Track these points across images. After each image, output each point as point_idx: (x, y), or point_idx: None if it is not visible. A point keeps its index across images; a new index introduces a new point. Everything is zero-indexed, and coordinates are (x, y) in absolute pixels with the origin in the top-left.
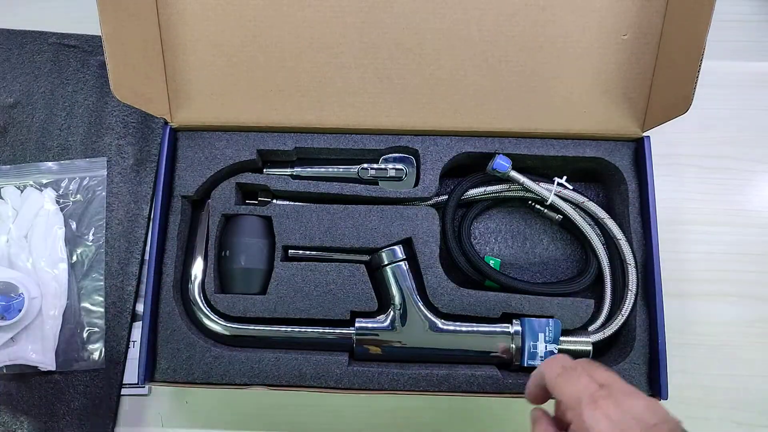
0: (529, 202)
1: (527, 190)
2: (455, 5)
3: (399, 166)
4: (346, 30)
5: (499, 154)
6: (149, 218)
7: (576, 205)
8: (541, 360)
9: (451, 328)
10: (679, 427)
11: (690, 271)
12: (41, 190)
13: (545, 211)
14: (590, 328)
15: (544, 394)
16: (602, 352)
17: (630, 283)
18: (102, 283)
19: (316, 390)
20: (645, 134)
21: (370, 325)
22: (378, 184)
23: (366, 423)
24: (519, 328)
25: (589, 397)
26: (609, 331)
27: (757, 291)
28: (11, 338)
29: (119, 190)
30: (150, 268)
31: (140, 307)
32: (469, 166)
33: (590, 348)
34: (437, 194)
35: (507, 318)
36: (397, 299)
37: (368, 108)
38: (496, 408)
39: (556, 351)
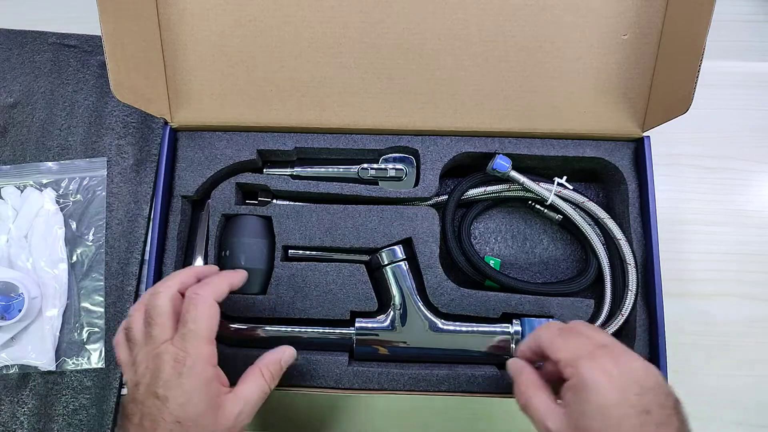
0: (529, 202)
1: (527, 190)
2: (455, 5)
3: (399, 166)
4: (346, 30)
5: (499, 154)
6: (149, 218)
7: (576, 205)
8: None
9: (451, 328)
10: (672, 395)
11: (690, 271)
12: (41, 190)
13: (545, 211)
14: None
15: (534, 357)
16: None
17: (630, 283)
18: (102, 283)
19: (316, 390)
20: (645, 134)
21: (370, 325)
22: (378, 184)
23: (366, 423)
24: (519, 328)
25: (588, 354)
26: (609, 331)
27: (757, 291)
28: (11, 338)
29: (119, 190)
30: (150, 268)
31: None
32: (469, 166)
33: None
34: (437, 194)
35: (507, 318)
36: (397, 299)
37: (368, 108)
38: (496, 408)
39: None
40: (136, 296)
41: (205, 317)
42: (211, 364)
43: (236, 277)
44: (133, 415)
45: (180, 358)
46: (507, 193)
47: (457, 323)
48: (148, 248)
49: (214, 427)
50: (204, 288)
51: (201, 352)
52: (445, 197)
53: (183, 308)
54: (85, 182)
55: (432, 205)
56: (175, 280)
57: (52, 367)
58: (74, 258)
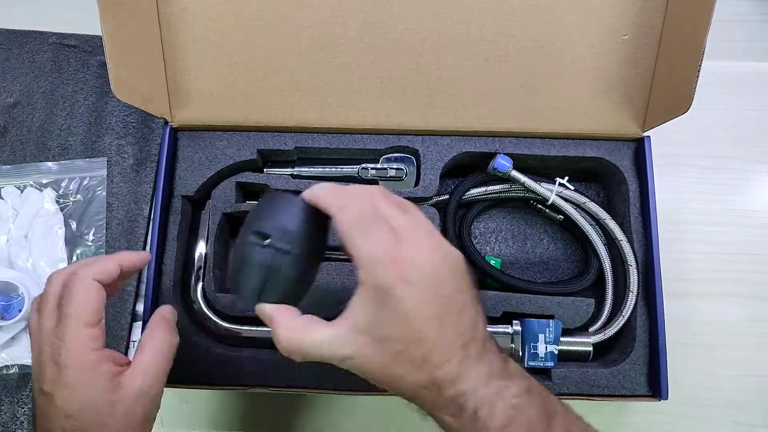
0: (531, 201)
1: (528, 190)
2: (455, 5)
3: (399, 165)
4: (346, 30)
5: (499, 153)
6: (149, 218)
7: (577, 206)
8: (542, 361)
9: None
10: (467, 275)
11: (690, 271)
12: (41, 190)
13: (546, 211)
14: (591, 329)
15: None
16: (603, 353)
17: (631, 284)
18: None
19: (317, 391)
20: (645, 134)
21: None
22: (378, 184)
23: (367, 424)
24: (519, 328)
25: (390, 260)
26: (610, 332)
27: (757, 291)
28: (11, 338)
29: (119, 190)
30: (150, 268)
31: (140, 307)
32: (470, 166)
33: (590, 349)
34: (438, 194)
35: (508, 317)
36: None
37: (368, 108)
38: None
39: (556, 352)
40: (136, 296)
41: (81, 298)
42: (93, 348)
43: (132, 257)
44: (35, 415)
45: (56, 348)
46: (508, 193)
47: None
48: (148, 248)
49: (114, 410)
50: (84, 267)
51: (78, 337)
52: (445, 197)
53: (60, 291)
54: (85, 182)
55: (432, 205)
56: (71, 266)
57: None
58: (74, 258)
